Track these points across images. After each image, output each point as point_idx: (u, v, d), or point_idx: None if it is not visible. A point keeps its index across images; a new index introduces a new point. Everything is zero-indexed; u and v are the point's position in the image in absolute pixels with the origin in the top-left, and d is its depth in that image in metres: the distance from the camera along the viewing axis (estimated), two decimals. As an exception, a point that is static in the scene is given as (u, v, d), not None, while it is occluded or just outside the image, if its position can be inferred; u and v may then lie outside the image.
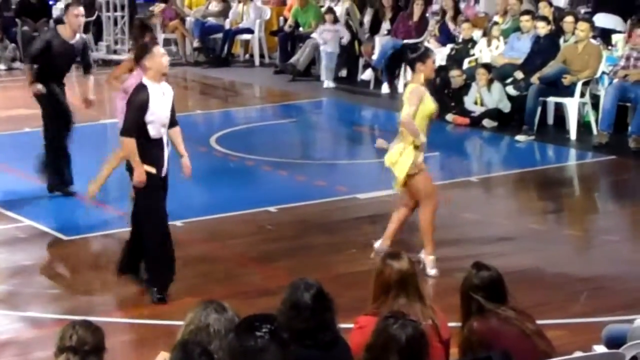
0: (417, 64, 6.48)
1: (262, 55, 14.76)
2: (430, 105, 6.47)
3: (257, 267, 6.65)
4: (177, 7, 15.34)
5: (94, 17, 15.13)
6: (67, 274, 6.89)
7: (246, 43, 15.03)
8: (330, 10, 13.39)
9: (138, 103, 5.85)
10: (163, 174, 6.04)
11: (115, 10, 14.89)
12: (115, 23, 14.90)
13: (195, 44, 14.86)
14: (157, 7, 15.09)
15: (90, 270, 6.79)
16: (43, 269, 6.82)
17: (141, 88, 5.89)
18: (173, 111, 6.07)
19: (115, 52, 14.75)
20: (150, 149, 5.90)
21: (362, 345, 3.52)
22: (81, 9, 8.08)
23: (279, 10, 15.12)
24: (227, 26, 14.76)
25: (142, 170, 5.87)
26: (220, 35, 14.74)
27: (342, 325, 4.32)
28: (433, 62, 6.62)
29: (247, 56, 15.11)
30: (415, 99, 6.35)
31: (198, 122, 11.32)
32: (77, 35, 8.07)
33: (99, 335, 3.47)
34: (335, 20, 13.28)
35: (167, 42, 15.25)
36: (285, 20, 14.49)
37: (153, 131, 5.90)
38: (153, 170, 5.91)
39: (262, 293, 6.01)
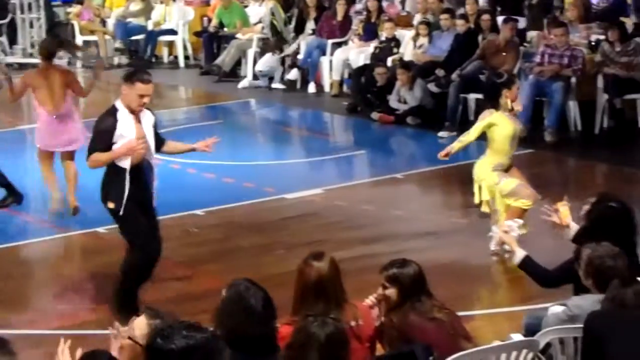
0: (504, 90, 6.71)
1: (186, 57, 14.69)
2: (506, 127, 6.72)
3: (184, 271, 6.64)
4: (94, 7, 15.07)
5: (7, 20, 14.80)
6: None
7: (170, 44, 14.94)
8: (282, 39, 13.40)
9: (102, 129, 5.56)
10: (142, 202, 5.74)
11: (30, 11, 14.58)
12: (31, 25, 14.59)
13: (117, 44, 14.68)
14: (75, 9, 14.87)
15: (9, 281, 6.64)
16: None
17: (110, 112, 5.58)
18: (157, 135, 5.82)
19: (31, 55, 14.45)
20: (116, 180, 5.58)
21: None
22: None
23: (203, 11, 15.06)
24: (149, 27, 14.65)
25: (123, 150, 5.50)
26: (142, 36, 14.62)
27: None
28: (517, 89, 6.86)
29: (171, 58, 15.01)
30: (482, 121, 6.76)
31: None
32: None
33: (8, 350, 3.29)
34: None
35: (86, 45, 15.05)
36: (209, 20, 14.46)
37: (121, 161, 5.58)
38: (112, 205, 5.64)
39: (189, 297, 6.03)
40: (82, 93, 7.89)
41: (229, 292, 3.68)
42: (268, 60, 12.98)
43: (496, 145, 6.78)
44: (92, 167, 5.74)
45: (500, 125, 6.72)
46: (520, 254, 4.77)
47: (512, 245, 4.85)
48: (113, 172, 5.63)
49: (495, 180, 6.76)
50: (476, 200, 6.86)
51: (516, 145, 6.92)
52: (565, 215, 5.10)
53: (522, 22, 11.54)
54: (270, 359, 3.61)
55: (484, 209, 6.89)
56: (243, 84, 13.06)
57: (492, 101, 6.81)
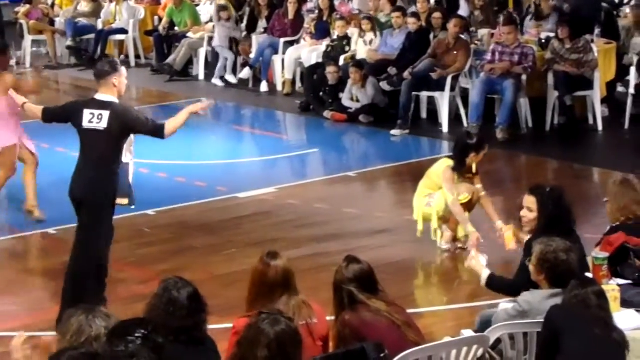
0: (471, 154, 6.63)
1: (137, 56, 14.53)
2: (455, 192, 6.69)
3: (135, 271, 6.58)
4: (43, 6, 14.82)
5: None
6: None
7: (120, 43, 14.76)
8: (224, 7, 13.29)
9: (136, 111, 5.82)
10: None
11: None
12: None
13: (69, 42, 14.46)
14: (23, 9, 14.62)
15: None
16: None
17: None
18: None
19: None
20: (117, 176, 5.72)
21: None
22: None
23: (154, 10, 14.91)
24: (99, 26, 14.46)
25: (195, 108, 5.84)
26: (92, 35, 14.43)
27: (221, 326, 4.35)
28: (484, 154, 6.77)
29: (122, 57, 14.82)
30: (450, 185, 6.61)
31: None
32: None
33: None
34: (229, 18, 13.22)
35: (35, 44, 14.81)
36: (160, 19, 14.33)
37: (126, 156, 5.89)
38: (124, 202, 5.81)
39: (142, 297, 5.93)
40: None
41: (158, 288, 3.81)
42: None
43: (432, 186, 6.83)
44: (171, 134, 5.82)
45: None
46: (484, 274, 4.78)
47: (479, 270, 4.84)
48: (116, 168, 5.70)
49: (425, 203, 6.80)
50: (418, 234, 6.84)
51: None
52: (510, 240, 5.11)
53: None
54: (200, 349, 3.68)
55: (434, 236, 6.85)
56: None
57: (459, 159, 6.72)
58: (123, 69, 5.80)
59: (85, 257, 5.67)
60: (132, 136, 6.03)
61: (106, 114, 5.61)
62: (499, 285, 4.78)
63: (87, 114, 5.65)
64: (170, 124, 5.79)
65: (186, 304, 3.70)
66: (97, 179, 5.64)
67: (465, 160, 6.68)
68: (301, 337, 3.48)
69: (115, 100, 5.69)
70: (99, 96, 5.69)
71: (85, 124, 5.65)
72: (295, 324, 3.50)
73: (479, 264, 4.84)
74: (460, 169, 6.70)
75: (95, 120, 5.62)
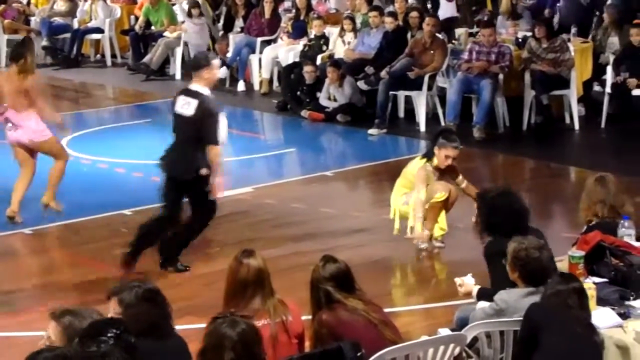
0: (435, 148, 6.69)
1: (113, 55, 14.45)
2: (431, 190, 6.71)
3: (112, 271, 6.52)
4: (19, 5, 14.71)
5: None
6: None
7: (96, 43, 14.68)
8: (196, 4, 13.25)
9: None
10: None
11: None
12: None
13: (44, 42, 14.36)
14: (-1, 8, 14.52)
15: None
16: None
17: (212, 100, 6.19)
18: None
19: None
20: (203, 153, 6.19)
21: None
22: None
23: (130, 9, 14.84)
24: (75, 26, 14.37)
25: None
26: (68, 35, 14.33)
27: (201, 325, 4.32)
28: (457, 154, 6.76)
29: (98, 56, 14.76)
30: (421, 184, 6.66)
31: (48, 125, 10.94)
32: None
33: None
34: (201, 14, 13.18)
35: (10, 43, 14.66)
36: (137, 18, 14.26)
37: None
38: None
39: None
40: None
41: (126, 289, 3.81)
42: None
43: (408, 185, 6.85)
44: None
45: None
46: (475, 291, 4.79)
47: (470, 290, 4.83)
48: (202, 147, 6.17)
49: (402, 202, 6.82)
50: (395, 232, 6.86)
51: None
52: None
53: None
54: (167, 342, 3.67)
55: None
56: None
57: (430, 147, 6.79)
58: (215, 61, 6.42)
59: (205, 217, 6.40)
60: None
61: (194, 102, 6.12)
62: (487, 294, 4.78)
63: (180, 99, 6.24)
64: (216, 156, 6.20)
65: (148, 302, 3.70)
66: (185, 159, 6.21)
67: (434, 151, 6.71)
68: (261, 335, 3.48)
69: (206, 91, 6.16)
70: (192, 86, 6.23)
71: (178, 109, 6.25)
72: (252, 322, 3.51)
73: (469, 285, 4.83)
74: (430, 158, 6.72)
75: (185, 106, 6.18)
